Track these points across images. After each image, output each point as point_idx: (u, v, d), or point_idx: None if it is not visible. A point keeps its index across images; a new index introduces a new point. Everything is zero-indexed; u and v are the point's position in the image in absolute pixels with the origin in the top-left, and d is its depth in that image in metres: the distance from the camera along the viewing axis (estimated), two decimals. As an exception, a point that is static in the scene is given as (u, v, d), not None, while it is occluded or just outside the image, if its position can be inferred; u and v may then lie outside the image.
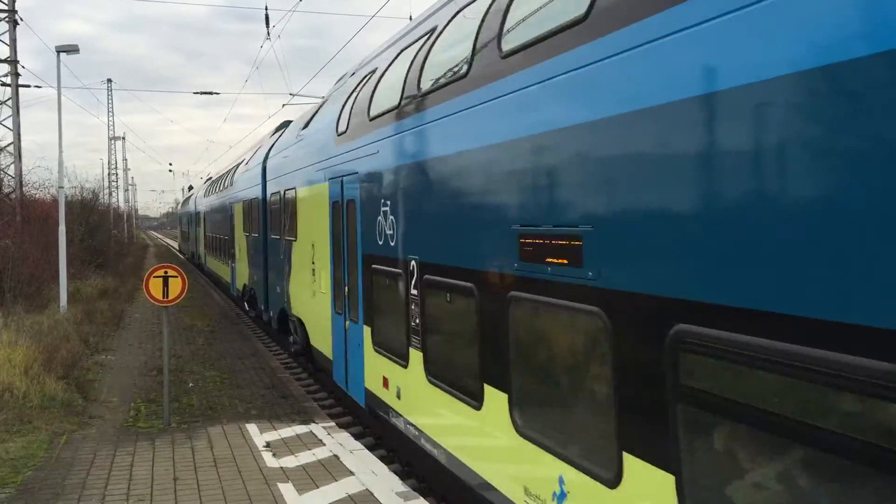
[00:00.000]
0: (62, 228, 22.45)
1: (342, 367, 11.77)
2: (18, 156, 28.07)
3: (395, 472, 9.06)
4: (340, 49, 24.68)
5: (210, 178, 46.02)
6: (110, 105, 75.48)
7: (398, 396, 8.99)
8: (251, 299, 23.00)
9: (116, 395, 13.19)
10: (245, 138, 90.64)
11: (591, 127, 4.82)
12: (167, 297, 11.34)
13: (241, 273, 24.68)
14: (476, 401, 6.69)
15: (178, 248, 77.18)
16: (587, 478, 4.91)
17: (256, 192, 20.57)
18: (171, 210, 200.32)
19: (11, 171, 28.32)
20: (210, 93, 43.98)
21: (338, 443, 10.09)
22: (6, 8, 27.88)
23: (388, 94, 9.35)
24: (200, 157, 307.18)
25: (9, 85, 27.92)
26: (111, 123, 76.14)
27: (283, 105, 34.48)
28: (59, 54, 22.76)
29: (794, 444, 3.40)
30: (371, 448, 10.44)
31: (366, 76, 11.22)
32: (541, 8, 6.05)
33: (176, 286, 11.36)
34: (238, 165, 28.01)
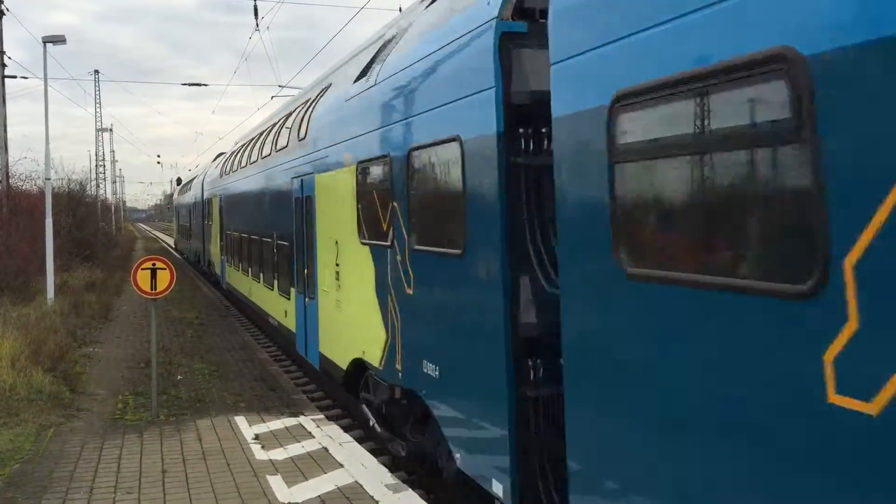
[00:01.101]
0: (49, 220, 22.30)
1: None
2: (4, 147, 27.84)
3: (385, 465, 9.07)
4: (329, 41, 24.55)
5: (222, 153, 33.89)
6: (97, 96, 75.10)
7: None
8: (394, 403, 9.08)
9: (104, 387, 13.13)
10: (233, 130, 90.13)
11: None
12: (155, 290, 11.29)
13: (344, 327, 10.83)
14: None
15: (174, 244, 63.27)
16: None
17: (473, 124, 6.60)
18: (159, 202, 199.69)
19: (-2, 162, 28.10)
20: (198, 84, 44.01)
21: (327, 435, 10.08)
22: (-8, -2, 27.60)
23: None
24: (189, 149, 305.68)
25: (-5, 76, 27.67)
26: (98, 115, 75.66)
27: (272, 97, 34.19)
28: (45, 45, 22.59)
29: None
30: (360, 440, 10.44)
31: None
32: None
33: (164, 278, 11.31)
34: (311, 100, 13.91)
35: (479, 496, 7.02)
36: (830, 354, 3.16)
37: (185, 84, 45.02)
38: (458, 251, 6.86)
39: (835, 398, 3.14)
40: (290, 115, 15.93)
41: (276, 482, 8.28)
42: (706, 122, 3.95)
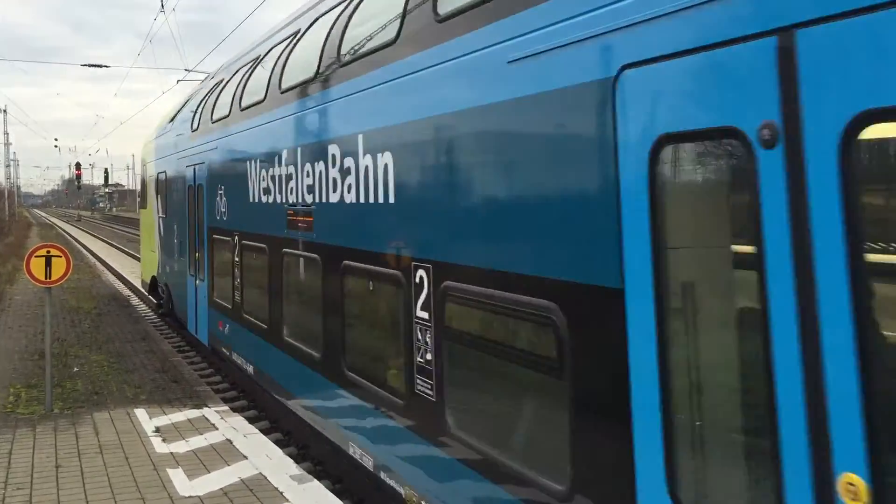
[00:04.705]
0: (-65, 204, 21.19)
1: None
2: None
3: (290, 456, 8.99)
4: (237, 26, 24.00)
5: None
6: (-10, 75, 71.36)
7: None
8: None
9: (-6, 380, 12.55)
10: (136, 114, 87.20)
11: None
12: (50, 278, 10.85)
13: None
14: None
15: (142, 282, 22.90)
16: None
17: None
18: (56, 187, 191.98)
19: None
20: (100, 66, 42.28)
21: (231, 427, 9.91)
22: None
23: None
24: (89, 133, 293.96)
25: None
26: (-9, 95, 72.10)
27: (178, 81, 33.18)
28: (-69, 18, 21.40)
29: None
30: (266, 432, 10.31)
31: None
32: None
33: (59, 266, 10.88)
34: None
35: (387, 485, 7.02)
36: None
37: (85, 65, 43.19)
38: None
39: None
40: None
41: (176, 475, 8.09)
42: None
